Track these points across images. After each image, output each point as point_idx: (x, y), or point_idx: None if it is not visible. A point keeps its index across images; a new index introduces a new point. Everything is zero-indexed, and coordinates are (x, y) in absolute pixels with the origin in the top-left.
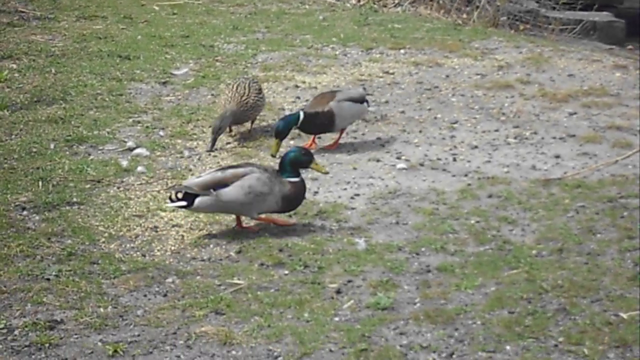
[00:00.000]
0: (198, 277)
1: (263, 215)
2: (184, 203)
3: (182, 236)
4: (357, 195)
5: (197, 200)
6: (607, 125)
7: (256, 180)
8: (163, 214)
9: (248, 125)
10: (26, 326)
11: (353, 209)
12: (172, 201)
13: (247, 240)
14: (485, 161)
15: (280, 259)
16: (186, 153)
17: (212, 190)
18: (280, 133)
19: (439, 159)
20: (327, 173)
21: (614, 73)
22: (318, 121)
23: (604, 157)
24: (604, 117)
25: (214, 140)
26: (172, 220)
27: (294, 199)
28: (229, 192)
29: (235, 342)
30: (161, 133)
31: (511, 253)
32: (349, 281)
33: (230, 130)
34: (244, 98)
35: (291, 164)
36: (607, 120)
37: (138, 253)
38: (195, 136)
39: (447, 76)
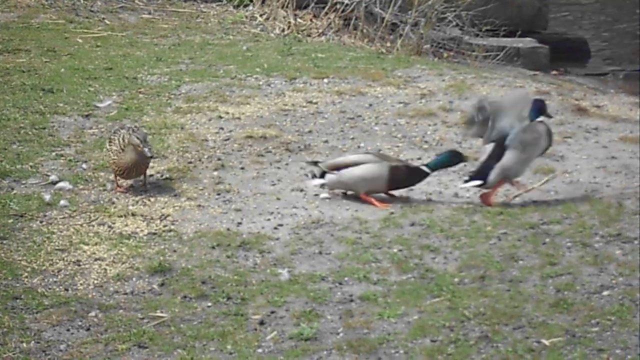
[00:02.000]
0: (121, 311)
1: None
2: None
3: (105, 270)
4: (281, 225)
5: (327, 177)
6: None
7: (369, 167)
8: (86, 247)
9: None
10: None
11: (277, 239)
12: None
13: (170, 273)
14: (409, 189)
15: (203, 291)
16: (109, 186)
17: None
18: None
19: None
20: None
21: None
22: None
23: (527, 183)
24: None
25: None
26: (94, 253)
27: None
28: (347, 174)
29: None
30: (84, 166)
31: (433, 281)
32: (272, 312)
33: (118, 186)
34: (119, 156)
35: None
36: None
37: (61, 287)
38: None
39: (370, 105)
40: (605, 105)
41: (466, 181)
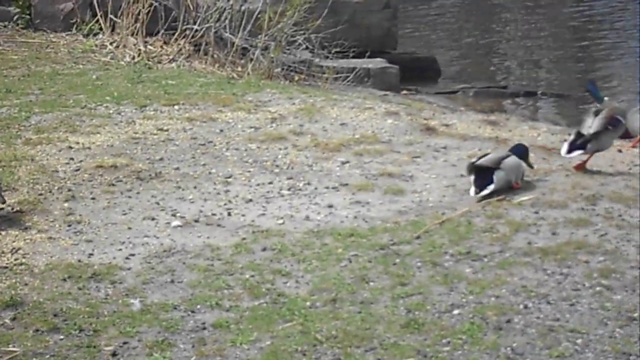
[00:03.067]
0: None
1: None
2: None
3: None
4: (132, 255)
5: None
6: (378, 172)
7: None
8: None
9: None
10: None
11: (128, 269)
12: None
13: (22, 306)
14: (260, 214)
15: (55, 323)
16: None
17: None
18: None
19: (213, 214)
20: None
21: (385, 120)
22: None
23: (376, 204)
24: (375, 165)
25: None
26: None
27: None
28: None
29: None
30: None
31: (286, 306)
32: (125, 343)
33: None
34: None
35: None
36: (378, 168)
37: None
38: None
39: (221, 130)
40: (454, 123)
41: (569, 152)
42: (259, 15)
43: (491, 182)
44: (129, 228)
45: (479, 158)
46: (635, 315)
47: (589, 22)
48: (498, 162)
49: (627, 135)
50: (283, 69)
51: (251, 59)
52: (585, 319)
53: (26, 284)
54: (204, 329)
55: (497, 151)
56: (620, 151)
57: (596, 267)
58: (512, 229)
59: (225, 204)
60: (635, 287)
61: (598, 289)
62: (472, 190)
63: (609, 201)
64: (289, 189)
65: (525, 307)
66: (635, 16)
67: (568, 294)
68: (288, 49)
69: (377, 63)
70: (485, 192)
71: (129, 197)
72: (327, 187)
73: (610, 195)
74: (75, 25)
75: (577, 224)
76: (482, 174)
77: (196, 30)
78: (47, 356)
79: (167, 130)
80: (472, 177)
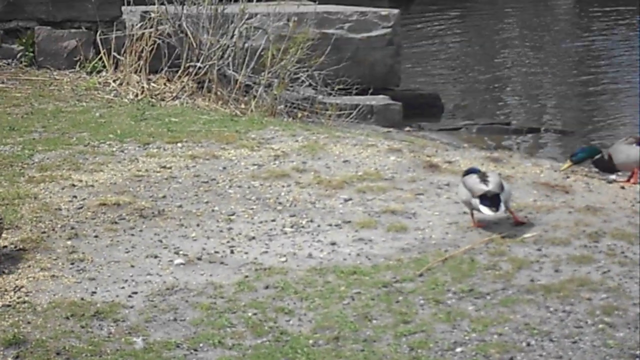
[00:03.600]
0: None
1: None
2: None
3: None
4: (135, 293)
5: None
6: (381, 209)
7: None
8: None
9: None
10: None
11: (131, 307)
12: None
13: (25, 345)
14: (263, 252)
15: None
16: None
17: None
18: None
19: (216, 252)
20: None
21: (388, 157)
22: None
23: (379, 242)
24: (378, 202)
25: None
26: None
27: None
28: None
29: None
30: None
31: (288, 344)
32: None
33: None
34: None
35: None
36: (381, 205)
37: None
38: None
39: (224, 168)
40: (457, 160)
41: None
42: (262, 53)
43: (499, 201)
44: (132, 266)
45: (483, 181)
46: (638, 352)
47: (591, 57)
48: (502, 186)
49: (611, 168)
50: (286, 106)
51: (254, 96)
52: (588, 357)
53: (29, 322)
54: None
55: (492, 174)
56: (623, 188)
57: (599, 304)
58: (515, 266)
59: (228, 242)
60: (638, 325)
61: (601, 326)
62: (486, 210)
63: (612, 238)
64: (291, 227)
65: (528, 344)
66: (637, 50)
67: (571, 331)
68: (291, 86)
69: (380, 100)
70: (502, 208)
71: (132, 234)
72: (330, 225)
73: (613, 232)
74: (78, 63)
75: (580, 261)
76: (489, 198)
77: (199, 68)
78: None
79: (170, 167)
80: (478, 200)
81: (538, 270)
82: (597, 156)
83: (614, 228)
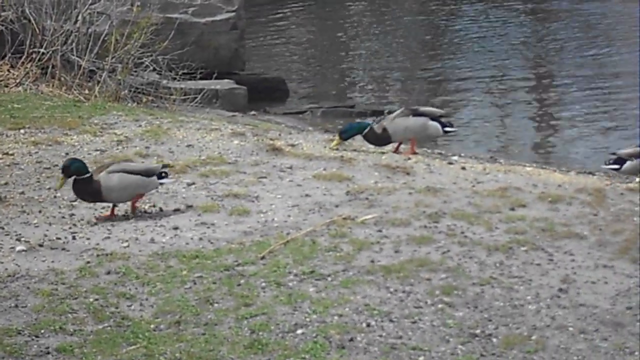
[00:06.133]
0: None
1: None
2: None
3: None
4: None
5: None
6: (224, 193)
7: None
8: None
9: None
10: None
11: None
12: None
13: None
14: (105, 237)
15: None
16: None
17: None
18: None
19: (58, 239)
20: None
21: (232, 141)
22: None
23: (222, 226)
24: (221, 186)
25: None
26: None
27: None
28: None
29: None
30: None
31: (130, 329)
32: None
33: None
34: None
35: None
36: (224, 189)
37: None
38: None
39: (67, 154)
40: (300, 143)
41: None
42: (106, 38)
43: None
44: None
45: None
46: (477, 331)
47: (437, 40)
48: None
49: (385, 140)
50: (130, 91)
51: (98, 82)
52: (427, 336)
53: None
54: (48, 353)
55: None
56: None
57: (438, 284)
58: (356, 248)
59: (70, 228)
60: (477, 304)
61: (440, 306)
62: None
63: (452, 218)
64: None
65: (368, 325)
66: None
67: (410, 311)
68: (135, 71)
69: (224, 84)
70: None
71: None
72: (172, 209)
73: (453, 212)
74: None
75: (420, 242)
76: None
77: (43, 54)
78: None
79: (12, 154)
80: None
81: (378, 252)
82: (366, 130)
83: (454, 208)
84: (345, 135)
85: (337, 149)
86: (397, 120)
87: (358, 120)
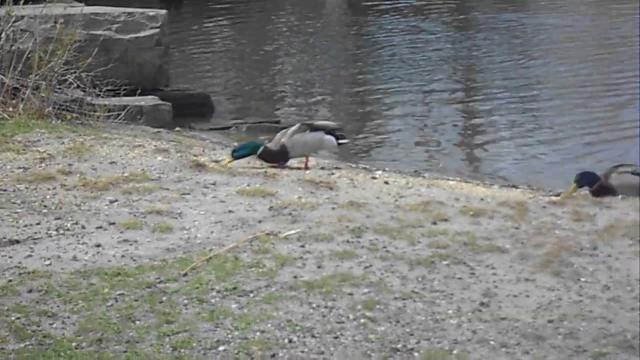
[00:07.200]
0: None
1: None
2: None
3: None
4: None
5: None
6: (147, 210)
7: None
8: None
9: None
10: None
11: None
12: None
13: None
14: (27, 255)
15: None
16: None
17: None
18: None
19: None
20: None
21: (155, 157)
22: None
23: (144, 243)
24: (144, 203)
25: None
26: None
27: None
28: None
29: None
30: None
31: (51, 347)
32: None
33: None
34: None
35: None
36: (147, 205)
37: None
38: None
39: None
40: (223, 159)
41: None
42: (30, 55)
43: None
44: None
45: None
46: (399, 346)
47: (364, 53)
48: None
49: (281, 158)
50: (55, 108)
51: (22, 99)
52: (349, 352)
53: None
54: None
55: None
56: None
57: (360, 299)
58: (279, 263)
59: None
60: (399, 318)
61: (362, 321)
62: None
63: (374, 233)
64: (56, 230)
65: (290, 341)
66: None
67: (332, 326)
68: (59, 88)
69: (149, 100)
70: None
71: None
72: (95, 227)
73: (376, 227)
74: None
75: (343, 257)
76: None
77: None
78: None
79: None
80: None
81: (301, 267)
82: (260, 150)
83: (376, 223)
84: (237, 154)
85: (228, 167)
86: (296, 136)
87: (251, 140)
